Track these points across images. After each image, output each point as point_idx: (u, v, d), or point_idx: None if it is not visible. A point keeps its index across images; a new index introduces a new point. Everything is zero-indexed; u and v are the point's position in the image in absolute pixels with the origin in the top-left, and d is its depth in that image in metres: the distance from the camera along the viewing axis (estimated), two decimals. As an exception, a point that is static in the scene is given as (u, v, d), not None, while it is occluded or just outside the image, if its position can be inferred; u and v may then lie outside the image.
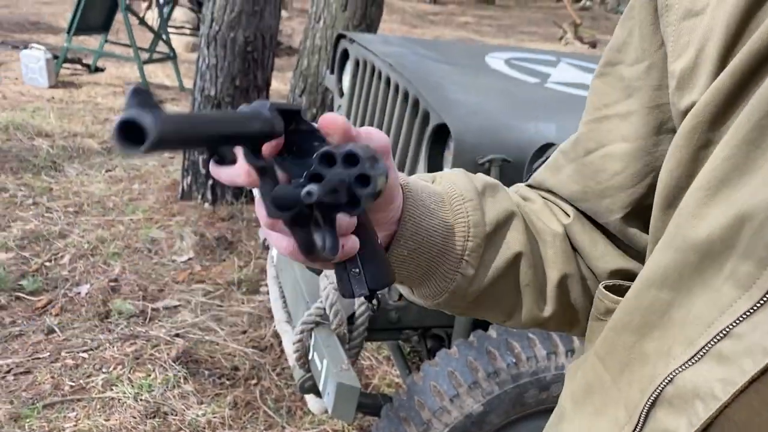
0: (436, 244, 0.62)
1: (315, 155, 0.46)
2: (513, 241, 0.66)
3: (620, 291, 0.65)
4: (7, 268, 3.18)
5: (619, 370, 0.56)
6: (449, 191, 0.64)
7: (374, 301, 1.95)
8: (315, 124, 0.49)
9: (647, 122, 0.63)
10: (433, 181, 0.67)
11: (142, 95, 0.33)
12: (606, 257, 0.69)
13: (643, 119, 0.63)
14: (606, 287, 0.66)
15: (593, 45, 14.02)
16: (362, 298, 2.00)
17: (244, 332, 2.99)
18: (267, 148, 0.46)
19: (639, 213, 0.66)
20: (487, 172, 1.68)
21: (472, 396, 1.66)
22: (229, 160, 0.41)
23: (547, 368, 1.70)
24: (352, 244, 0.51)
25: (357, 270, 0.54)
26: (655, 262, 0.54)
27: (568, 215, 0.70)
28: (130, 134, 0.32)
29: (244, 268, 3.50)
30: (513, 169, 1.69)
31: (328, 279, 1.88)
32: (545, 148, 1.65)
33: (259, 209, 0.48)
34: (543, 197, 0.74)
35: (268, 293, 3.30)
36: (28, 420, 2.35)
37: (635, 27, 0.64)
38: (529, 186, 0.78)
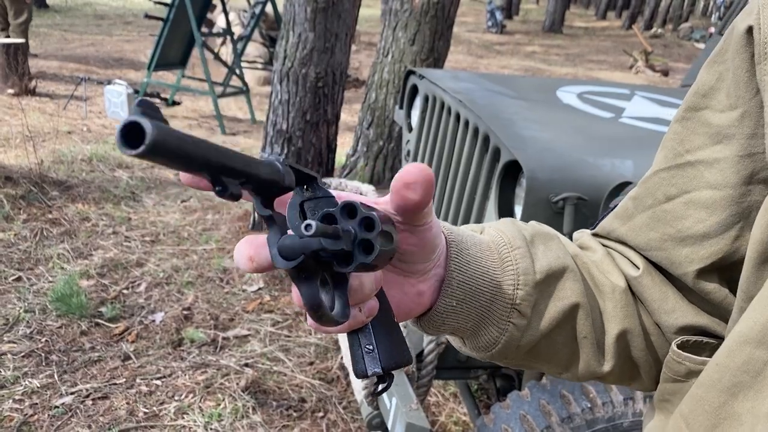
0: (484, 293, 0.60)
1: (339, 204, 0.47)
2: (569, 292, 0.63)
3: (696, 348, 0.62)
4: (88, 295, 3.32)
5: (707, 431, 0.54)
6: (496, 239, 0.63)
7: (443, 338, 1.93)
8: (332, 191, 0.50)
9: (738, 171, 0.61)
10: (481, 232, 0.66)
11: (150, 107, 0.34)
12: (676, 312, 0.66)
13: (734, 167, 0.61)
14: (679, 346, 0.63)
15: (665, 73, 13.68)
16: (432, 337, 1.98)
17: (311, 363, 3.01)
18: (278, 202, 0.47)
19: (719, 265, 0.63)
20: (561, 211, 1.65)
21: (545, 441, 1.61)
22: (231, 194, 0.41)
23: (624, 414, 1.64)
24: (367, 310, 0.51)
25: (370, 346, 0.53)
26: (752, 318, 0.52)
27: (638, 267, 0.68)
28: (132, 137, 0.32)
29: (312, 298, 3.53)
30: (588, 207, 1.65)
31: (397, 315, 1.88)
32: (622, 187, 1.61)
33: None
34: (606, 247, 0.71)
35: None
36: (104, 445, 2.42)
37: (727, 72, 0.62)
38: (595, 234, 0.76)
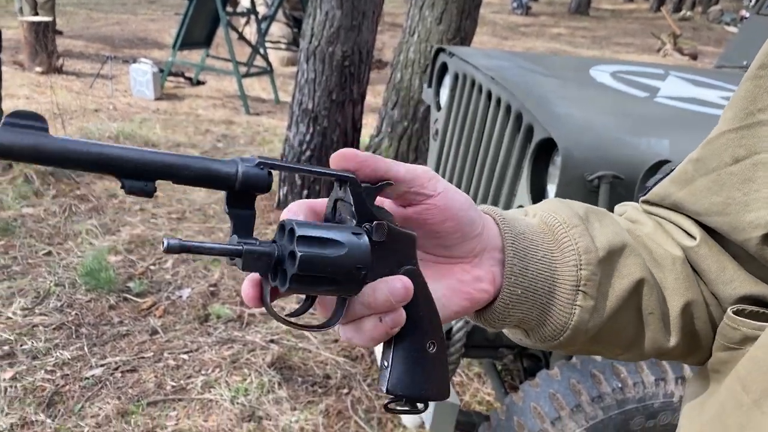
0: (546, 278, 0.58)
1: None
2: (632, 267, 0.61)
3: (753, 317, 0.61)
4: (116, 271, 3.36)
5: (764, 393, 0.53)
6: (549, 220, 0.60)
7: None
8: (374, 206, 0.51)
9: None
10: (526, 215, 0.63)
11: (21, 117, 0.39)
12: (734, 282, 0.64)
13: None
14: (735, 313, 0.61)
15: (694, 57, 13.42)
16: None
17: (336, 341, 3.02)
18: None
19: None
20: (596, 190, 1.63)
21: (574, 420, 1.61)
22: (140, 189, 0.43)
23: (655, 395, 1.63)
24: (390, 322, 0.51)
25: (386, 362, 0.52)
26: None
27: (693, 237, 0.65)
28: None
29: (336, 277, 3.55)
30: (624, 186, 1.63)
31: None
32: (659, 166, 1.58)
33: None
34: (655, 218, 0.69)
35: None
36: (133, 416, 2.46)
37: None
38: (646, 202, 0.73)
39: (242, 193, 0.45)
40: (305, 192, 4.12)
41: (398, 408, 0.53)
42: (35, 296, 3.13)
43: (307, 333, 3.04)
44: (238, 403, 2.56)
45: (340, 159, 0.50)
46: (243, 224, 0.46)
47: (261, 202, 4.38)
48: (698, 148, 0.67)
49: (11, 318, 2.96)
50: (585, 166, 1.65)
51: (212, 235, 3.89)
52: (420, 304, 0.51)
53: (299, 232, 0.45)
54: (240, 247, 0.45)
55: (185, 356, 2.83)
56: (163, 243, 0.42)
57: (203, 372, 2.74)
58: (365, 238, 0.47)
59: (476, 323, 0.61)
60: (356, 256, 0.46)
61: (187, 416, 2.49)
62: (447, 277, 0.56)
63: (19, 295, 3.12)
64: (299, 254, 0.44)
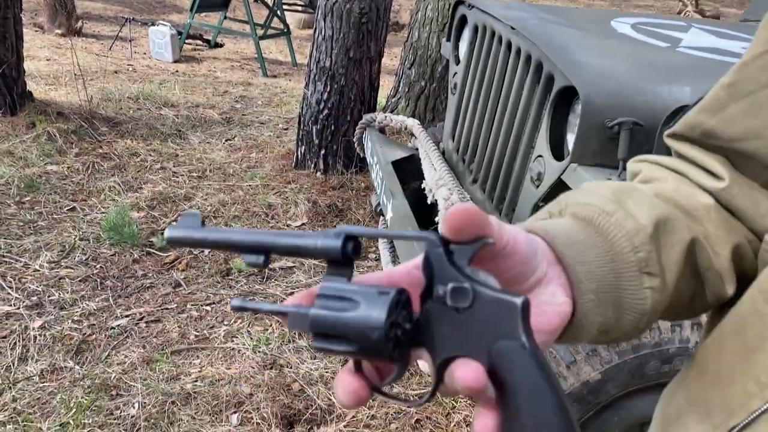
0: (609, 273, 0.56)
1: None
2: (680, 232, 0.60)
3: None
4: (139, 226, 3.42)
5: None
6: (585, 214, 0.58)
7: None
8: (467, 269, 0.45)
9: None
10: (551, 216, 0.62)
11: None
12: None
13: None
14: None
15: (716, 17, 13.10)
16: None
17: (354, 296, 3.07)
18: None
19: None
20: (616, 137, 1.63)
21: (590, 364, 1.64)
22: (254, 261, 0.49)
23: (670, 340, 1.65)
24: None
25: None
26: None
27: (722, 177, 0.64)
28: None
29: (354, 235, 3.58)
30: (644, 133, 1.63)
31: (444, 241, 1.90)
32: (679, 111, 1.57)
33: None
34: (673, 171, 0.68)
35: (376, 259, 3.37)
36: (158, 363, 2.54)
37: None
38: (672, 135, 0.71)
39: (333, 262, 0.46)
40: (323, 151, 4.13)
41: None
42: (61, 250, 3.21)
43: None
44: (259, 352, 2.62)
45: (459, 222, 0.45)
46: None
47: (279, 161, 4.41)
48: (730, 73, 0.66)
49: (38, 270, 3.04)
50: (605, 112, 1.65)
51: (232, 193, 3.93)
52: (518, 392, 0.41)
53: (320, 289, 0.44)
54: (286, 309, 0.46)
55: (208, 308, 2.90)
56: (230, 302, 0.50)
57: (225, 323, 2.80)
58: (387, 298, 0.42)
59: (561, 343, 0.58)
60: (370, 315, 0.42)
61: (210, 364, 2.56)
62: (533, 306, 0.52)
63: (46, 249, 3.19)
64: (311, 311, 0.44)
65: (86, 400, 2.33)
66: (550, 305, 0.52)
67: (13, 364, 2.47)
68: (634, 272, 0.56)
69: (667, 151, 0.73)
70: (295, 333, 2.74)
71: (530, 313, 0.43)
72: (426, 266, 0.44)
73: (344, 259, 0.45)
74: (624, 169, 1.62)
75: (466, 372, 0.42)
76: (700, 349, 0.64)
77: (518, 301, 0.42)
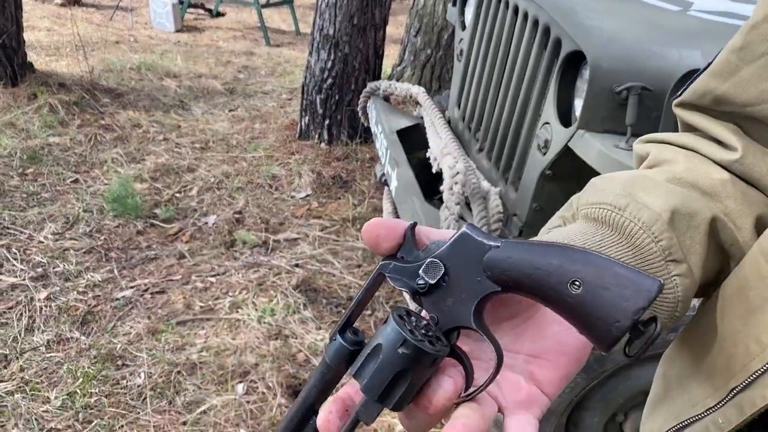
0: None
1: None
2: (699, 212, 0.58)
3: None
4: (142, 198, 3.41)
5: None
6: (597, 215, 0.57)
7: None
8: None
9: None
10: (565, 223, 0.60)
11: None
12: None
13: None
14: None
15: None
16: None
17: (359, 266, 3.06)
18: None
19: None
20: (624, 102, 1.60)
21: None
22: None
23: (677, 309, 1.63)
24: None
25: None
26: None
27: (734, 148, 0.62)
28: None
29: (358, 206, 3.57)
30: (653, 99, 1.59)
31: (448, 210, 1.88)
32: (690, 75, 1.53)
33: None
34: (683, 148, 0.66)
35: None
36: (164, 334, 2.54)
37: None
38: (681, 105, 0.69)
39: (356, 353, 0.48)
40: (327, 121, 4.09)
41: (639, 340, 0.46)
42: (65, 222, 3.20)
43: (331, 259, 3.09)
44: (264, 323, 2.62)
45: (375, 241, 0.48)
46: None
47: (283, 131, 4.38)
48: (739, 35, 0.63)
49: (43, 242, 3.04)
50: (613, 77, 1.61)
51: (235, 165, 3.91)
52: (524, 269, 0.45)
53: (354, 374, 0.46)
54: (355, 415, 0.46)
55: (212, 279, 2.90)
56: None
57: (230, 294, 2.80)
58: (389, 323, 0.45)
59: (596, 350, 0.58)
60: (391, 341, 0.44)
61: (215, 334, 2.56)
62: (546, 327, 0.51)
63: (49, 221, 3.19)
64: (361, 388, 0.45)
65: (93, 369, 2.34)
66: (560, 324, 0.50)
67: (20, 335, 2.48)
68: (659, 263, 0.55)
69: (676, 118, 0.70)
70: (300, 304, 2.74)
71: (480, 229, 0.47)
72: (396, 283, 0.46)
73: (355, 347, 0.47)
74: (632, 135, 1.58)
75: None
76: (701, 311, 0.63)
77: (463, 228, 0.46)
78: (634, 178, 0.61)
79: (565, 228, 0.58)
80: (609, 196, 0.58)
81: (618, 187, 0.59)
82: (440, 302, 0.46)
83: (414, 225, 0.46)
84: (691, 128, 0.67)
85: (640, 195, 0.58)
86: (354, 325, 0.48)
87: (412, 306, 0.50)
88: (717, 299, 0.61)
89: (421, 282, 0.45)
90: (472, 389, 0.46)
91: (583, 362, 0.52)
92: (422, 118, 2.56)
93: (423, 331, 0.44)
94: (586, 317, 0.42)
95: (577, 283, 0.42)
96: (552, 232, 0.57)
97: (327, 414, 0.47)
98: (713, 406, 0.59)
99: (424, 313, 0.47)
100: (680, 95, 0.68)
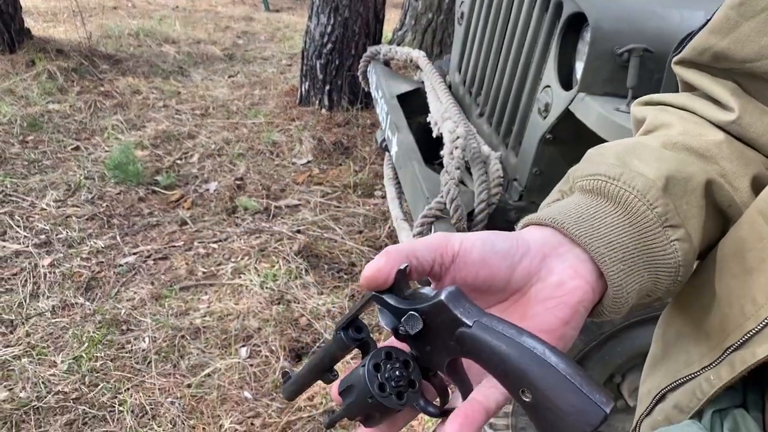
0: (632, 237, 0.54)
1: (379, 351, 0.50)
2: (694, 176, 0.57)
3: None
4: (143, 165, 3.41)
5: None
6: (591, 186, 0.56)
7: (494, 199, 1.94)
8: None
9: None
10: (562, 197, 0.60)
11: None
12: None
13: None
14: None
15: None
16: (483, 195, 1.99)
17: (360, 232, 3.08)
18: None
19: None
20: (626, 64, 1.58)
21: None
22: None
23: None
24: None
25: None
26: None
27: (731, 109, 0.61)
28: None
29: (359, 172, 3.56)
30: (655, 61, 1.58)
31: (449, 175, 1.88)
32: (691, 37, 1.52)
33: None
34: (680, 109, 0.65)
35: (382, 197, 3.36)
36: (167, 299, 2.57)
37: None
38: (680, 62, 0.68)
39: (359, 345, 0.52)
40: (327, 87, 4.07)
41: None
42: (66, 189, 3.21)
43: (332, 225, 3.10)
44: (267, 288, 2.65)
45: (368, 283, 0.49)
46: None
47: (283, 98, 4.35)
48: None
49: (45, 209, 3.05)
50: (615, 39, 1.59)
51: (236, 131, 3.90)
52: (486, 359, 0.45)
53: (338, 388, 0.52)
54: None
55: (215, 245, 2.91)
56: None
57: (233, 260, 2.82)
58: (363, 369, 0.49)
59: (603, 319, 0.56)
60: (361, 390, 0.49)
61: (218, 299, 2.59)
62: (529, 307, 0.51)
63: (51, 188, 3.20)
64: (342, 408, 0.51)
65: (98, 334, 2.37)
66: (552, 300, 0.51)
67: (25, 301, 2.51)
68: (656, 229, 0.54)
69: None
70: (301, 269, 2.76)
71: (462, 295, 0.47)
72: (383, 318, 0.49)
73: (356, 344, 0.52)
74: (633, 98, 1.58)
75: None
76: (698, 271, 0.63)
77: (441, 297, 0.47)
78: (628, 146, 0.61)
79: (562, 201, 0.58)
80: (602, 166, 0.57)
81: (611, 157, 0.59)
82: (420, 346, 0.49)
83: (405, 268, 0.49)
84: (689, 87, 0.67)
85: (634, 163, 0.58)
86: (359, 322, 0.52)
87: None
88: (714, 260, 0.61)
89: (402, 329, 0.48)
90: (446, 407, 0.51)
91: (567, 338, 0.52)
92: (423, 82, 2.54)
93: (393, 384, 0.48)
94: (531, 418, 0.45)
95: (526, 393, 0.44)
96: (551, 206, 0.57)
97: (336, 387, 0.52)
98: (708, 365, 0.59)
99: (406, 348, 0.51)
100: (679, 52, 0.67)
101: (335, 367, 0.55)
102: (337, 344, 0.52)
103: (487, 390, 0.48)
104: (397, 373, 0.49)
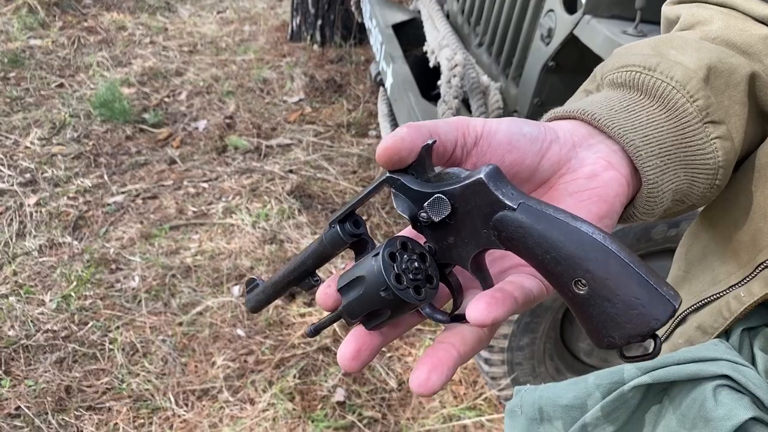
0: (670, 131, 0.48)
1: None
2: (736, 69, 0.52)
3: None
4: (130, 102, 3.31)
5: None
6: (623, 79, 0.50)
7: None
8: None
9: None
10: (590, 93, 0.53)
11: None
12: None
13: None
14: None
15: None
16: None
17: (354, 172, 3.01)
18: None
19: None
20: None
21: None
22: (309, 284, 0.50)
23: (680, 205, 1.59)
24: None
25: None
26: None
27: None
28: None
29: (353, 111, 3.47)
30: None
31: (446, 104, 1.80)
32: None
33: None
34: (718, 5, 0.59)
35: (377, 136, 3.27)
36: (157, 239, 2.51)
37: None
38: None
39: (352, 247, 0.47)
40: (319, 21, 3.92)
41: (633, 356, 0.41)
42: (51, 127, 3.11)
43: (325, 165, 3.02)
44: (259, 228, 2.59)
45: (388, 157, 0.42)
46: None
47: (274, 33, 4.21)
48: None
49: (29, 147, 2.96)
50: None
51: (225, 68, 3.77)
52: (532, 246, 0.39)
53: (337, 285, 0.45)
54: (337, 314, 0.46)
55: (205, 184, 2.84)
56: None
57: (223, 199, 2.76)
58: (379, 257, 0.41)
59: (633, 222, 0.50)
60: (375, 282, 0.41)
61: (209, 239, 2.54)
62: (559, 201, 0.45)
63: (35, 126, 3.10)
64: (341, 307, 0.44)
65: (86, 273, 2.32)
66: (584, 192, 0.45)
67: (11, 240, 2.45)
68: (696, 124, 0.49)
69: None
70: (294, 209, 2.70)
71: (503, 176, 0.41)
72: (399, 203, 0.43)
73: (352, 239, 0.45)
74: (642, 21, 1.49)
75: (472, 313, 0.39)
76: (731, 182, 0.57)
77: (481, 174, 0.40)
78: (664, 38, 0.55)
79: (587, 98, 0.51)
80: (636, 57, 0.51)
81: (646, 47, 0.53)
82: (440, 237, 0.43)
83: (433, 143, 0.42)
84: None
85: (671, 53, 0.51)
86: (357, 216, 0.46)
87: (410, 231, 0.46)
88: (751, 168, 0.55)
89: (423, 215, 0.42)
90: (457, 312, 0.44)
91: None
92: (419, 11, 2.43)
93: (411, 276, 0.42)
94: (582, 315, 0.38)
95: (582, 282, 0.37)
96: (573, 105, 0.50)
97: (326, 288, 0.46)
98: (737, 283, 0.55)
99: (422, 240, 0.44)
100: None
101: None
102: (330, 239, 0.45)
103: (522, 278, 0.42)
104: (415, 264, 0.42)
